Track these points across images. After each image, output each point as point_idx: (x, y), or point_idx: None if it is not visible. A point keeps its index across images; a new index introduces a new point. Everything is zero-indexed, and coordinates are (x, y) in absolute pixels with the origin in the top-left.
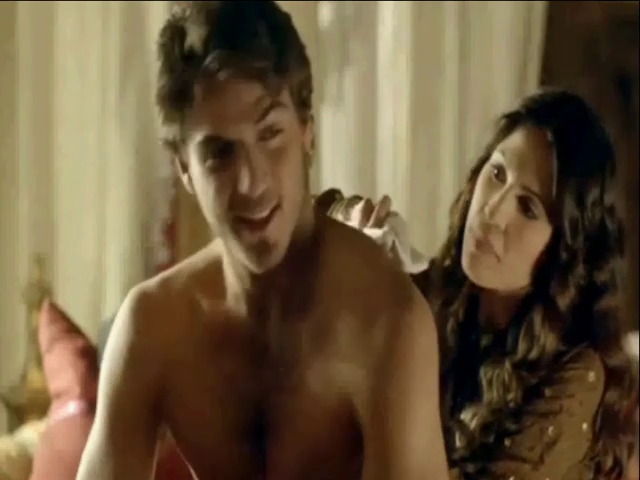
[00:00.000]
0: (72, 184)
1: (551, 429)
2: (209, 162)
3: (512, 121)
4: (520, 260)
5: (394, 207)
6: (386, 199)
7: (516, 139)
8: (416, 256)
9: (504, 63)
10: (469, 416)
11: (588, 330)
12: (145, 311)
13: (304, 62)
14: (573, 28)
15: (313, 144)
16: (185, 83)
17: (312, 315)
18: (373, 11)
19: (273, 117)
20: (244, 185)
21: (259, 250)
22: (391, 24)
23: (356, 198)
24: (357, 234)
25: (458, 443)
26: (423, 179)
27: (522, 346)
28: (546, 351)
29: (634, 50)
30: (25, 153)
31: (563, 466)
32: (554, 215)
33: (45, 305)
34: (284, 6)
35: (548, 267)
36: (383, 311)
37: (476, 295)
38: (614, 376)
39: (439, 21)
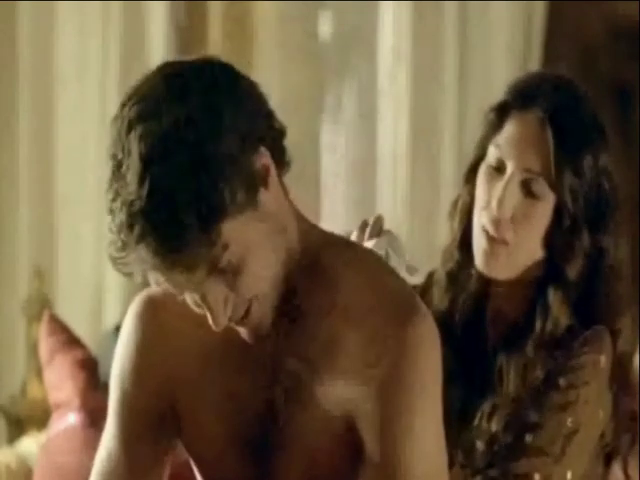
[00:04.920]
0: (72, 196)
1: (570, 420)
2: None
3: (501, 113)
4: (529, 239)
5: (395, 221)
6: (379, 217)
7: (509, 129)
8: (411, 269)
9: (504, 74)
10: (486, 414)
11: (596, 301)
12: (152, 315)
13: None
14: (572, 39)
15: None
16: (125, 247)
17: (317, 332)
18: (373, 24)
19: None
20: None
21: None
22: (391, 38)
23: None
24: (364, 252)
25: (479, 447)
26: (423, 193)
27: (538, 324)
28: (560, 324)
29: (633, 63)
30: (25, 164)
31: (584, 457)
32: (555, 188)
33: (45, 316)
34: (284, 19)
35: (554, 237)
36: (387, 329)
37: (483, 293)
38: (620, 335)
39: (439, 34)
